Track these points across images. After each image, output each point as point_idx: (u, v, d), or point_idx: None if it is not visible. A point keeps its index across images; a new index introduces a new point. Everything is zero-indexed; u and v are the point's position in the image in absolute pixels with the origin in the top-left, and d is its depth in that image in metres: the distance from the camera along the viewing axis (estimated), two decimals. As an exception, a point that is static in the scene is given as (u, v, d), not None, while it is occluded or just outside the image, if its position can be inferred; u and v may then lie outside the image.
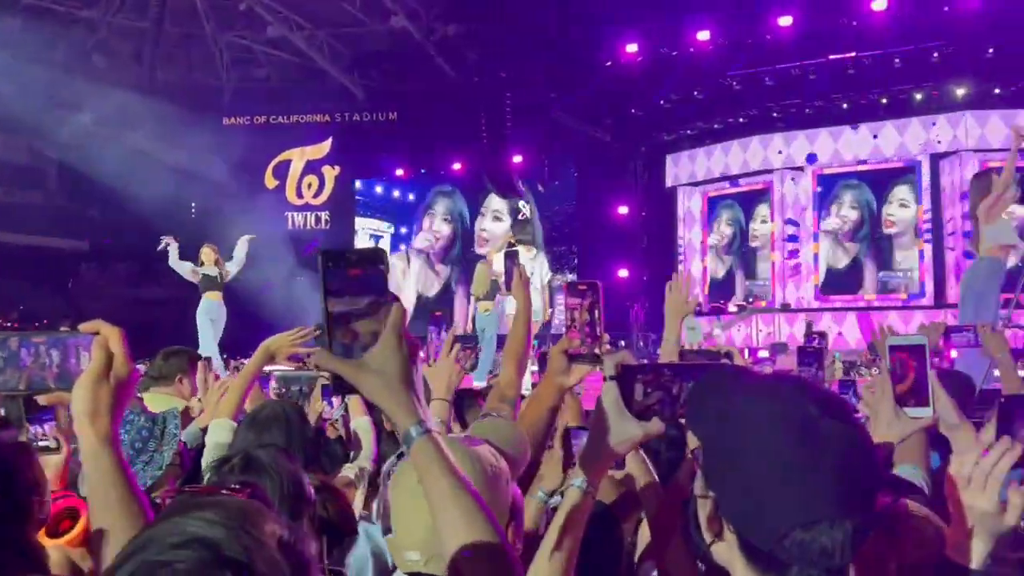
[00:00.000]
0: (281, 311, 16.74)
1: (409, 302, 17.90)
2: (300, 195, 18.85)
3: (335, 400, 3.81)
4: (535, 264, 8.73)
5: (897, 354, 1.84)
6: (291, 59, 18.01)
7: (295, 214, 18.86)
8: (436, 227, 18.24)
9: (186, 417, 3.32)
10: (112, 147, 16.35)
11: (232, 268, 10.73)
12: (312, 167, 18.80)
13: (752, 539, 1.09)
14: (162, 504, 1.63)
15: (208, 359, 4.82)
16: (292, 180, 18.82)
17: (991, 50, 12.85)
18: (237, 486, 1.66)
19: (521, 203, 17.40)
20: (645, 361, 1.80)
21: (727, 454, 1.12)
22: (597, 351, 1.89)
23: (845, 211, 14.87)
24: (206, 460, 2.79)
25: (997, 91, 13.31)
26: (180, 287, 17.21)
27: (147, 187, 16.46)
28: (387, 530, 1.66)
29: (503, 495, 1.67)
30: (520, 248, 8.91)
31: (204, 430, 3.24)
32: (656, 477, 2.24)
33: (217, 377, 3.74)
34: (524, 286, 2.83)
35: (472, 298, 11.32)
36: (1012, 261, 6.16)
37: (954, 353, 4.52)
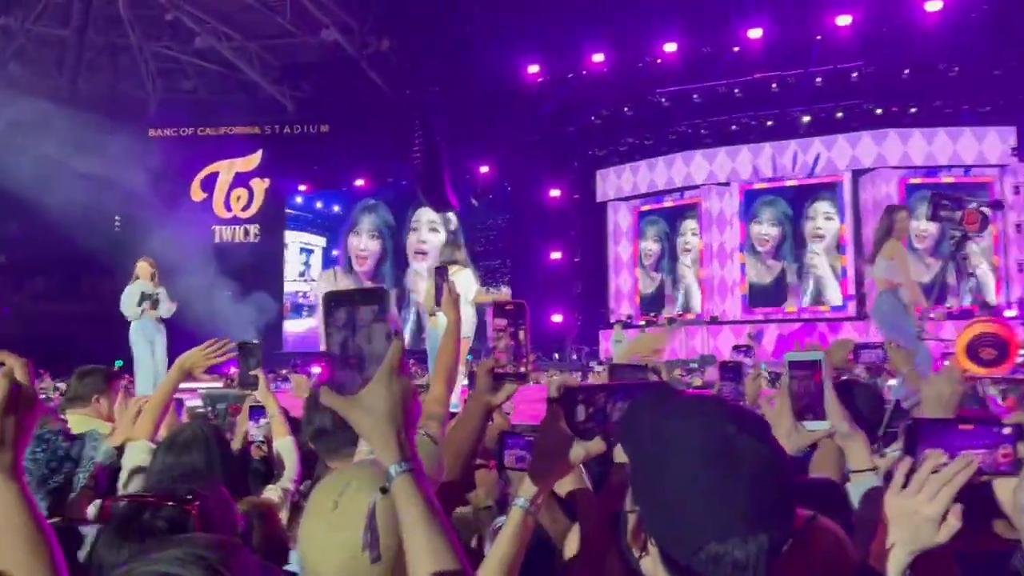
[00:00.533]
0: (206, 326, 16.39)
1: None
2: (228, 208, 18.51)
3: (262, 420, 3.74)
4: (464, 279, 8.78)
5: (796, 369, 1.89)
6: (219, 70, 17.73)
7: (223, 228, 18.51)
8: (364, 245, 18.09)
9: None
10: (29, 157, 15.85)
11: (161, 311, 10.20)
12: (241, 180, 18.49)
13: (671, 552, 1.11)
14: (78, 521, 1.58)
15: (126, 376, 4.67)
16: (220, 193, 18.47)
17: (907, 71, 13.35)
18: (190, 496, 1.62)
19: (451, 215, 17.39)
20: (588, 382, 1.82)
21: (650, 471, 1.15)
22: (523, 370, 1.91)
23: (766, 228, 15.24)
24: (123, 482, 2.70)
25: (913, 110, 13.82)
26: (101, 301, 16.78)
27: (67, 200, 15.98)
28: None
29: None
30: (457, 267, 8.96)
31: (119, 449, 3.15)
32: (591, 488, 2.24)
33: (131, 394, 3.63)
34: (454, 302, 2.82)
35: (426, 314, 11.35)
36: (907, 296, 6.40)
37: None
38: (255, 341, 3.56)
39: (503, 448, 2.13)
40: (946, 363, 2.02)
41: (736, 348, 4.06)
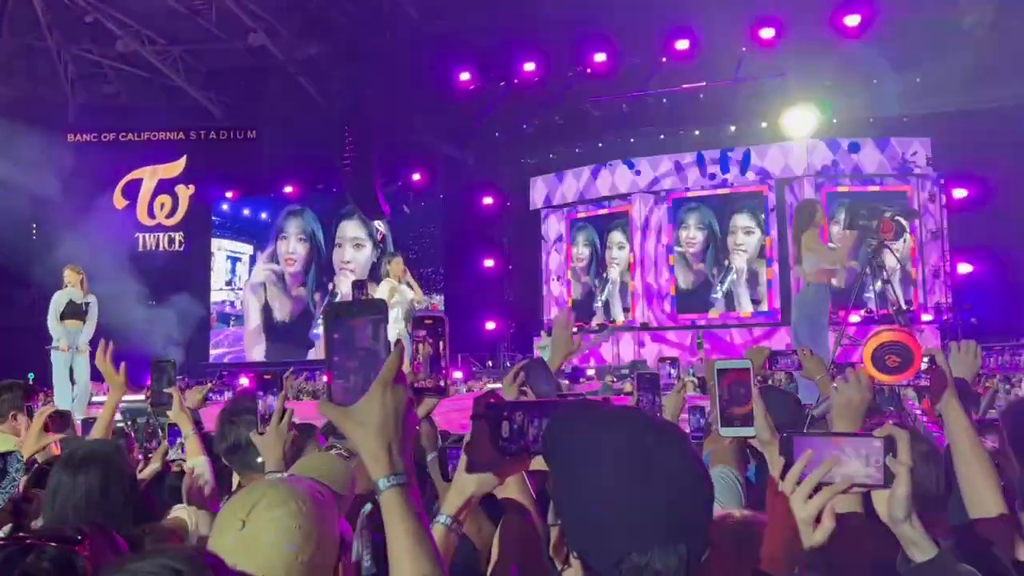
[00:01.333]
0: (128, 337, 15.95)
1: (256, 334, 17.44)
2: (152, 215, 18.05)
3: (178, 439, 3.66)
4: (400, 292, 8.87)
5: (724, 377, 1.91)
6: (142, 75, 17.28)
7: (147, 235, 18.04)
8: (291, 248, 17.83)
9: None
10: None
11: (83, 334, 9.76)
12: (165, 186, 18.05)
13: (592, 565, 1.12)
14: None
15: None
16: (143, 200, 18.00)
17: (828, 82, 13.72)
18: (79, 536, 1.53)
19: (379, 224, 17.27)
20: (514, 399, 1.82)
21: (570, 483, 1.16)
22: (442, 384, 1.89)
23: (692, 232, 15.52)
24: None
25: (834, 120, 14.21)
26: (15, 313, 16.19)
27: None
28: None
29: (331, 532, 1.62)
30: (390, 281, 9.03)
31: (28, 462, 3.07)
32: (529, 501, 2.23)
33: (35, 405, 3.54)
34: None
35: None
36: (836, 282, 6.59)
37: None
38: (170, 359, 3.50)
39: (446, 460, 2.12)
40: (854, 372, 2.07)
41: (662, 360, 4.07)
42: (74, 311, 9.71)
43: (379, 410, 1.21)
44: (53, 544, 1.52)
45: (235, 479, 2.97)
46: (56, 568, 1.47)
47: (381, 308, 1.26)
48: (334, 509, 1.70)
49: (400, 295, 9.01)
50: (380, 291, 8.94)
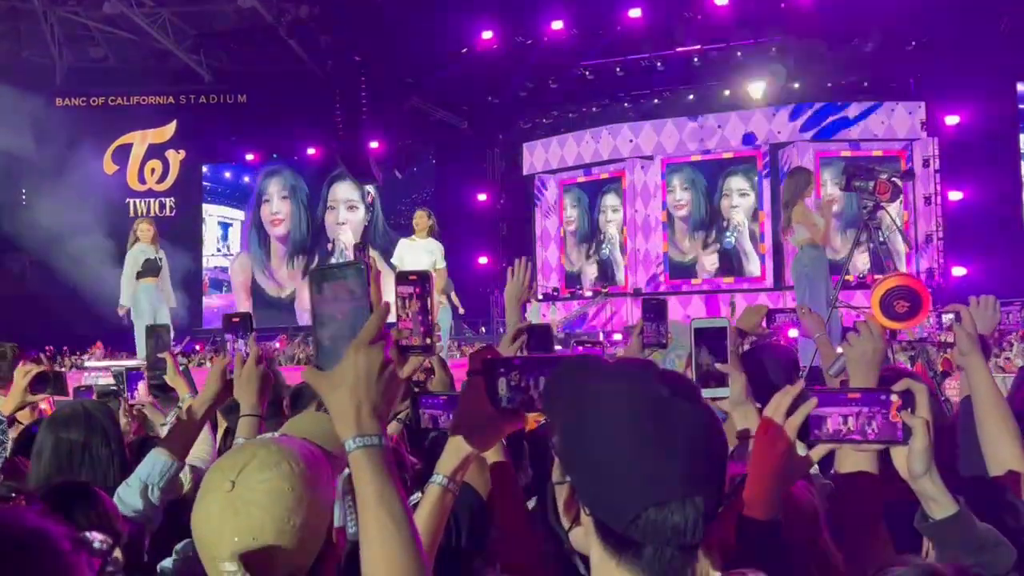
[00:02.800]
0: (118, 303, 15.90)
1: (244, 301, 17.39)
2: (143, 181, 17.90)
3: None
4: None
5: (702, 337, 1.90)
6: (131, 38, 17.03)
7: (137, 200, 17.90)
8: (275, 209, 17.74)
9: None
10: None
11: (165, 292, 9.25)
12: (155, 151, 17.88)
13: (607, 521, 1.09)
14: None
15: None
16: (134, 165, 17.84)
17: (823, 46, 13.64)
18: (13, 495, 1.51)
19: (369, 188, 17.18)
20: (513, 355, 1.78)
21: (580, 439, 1.12)
22: (429, 342, 1.84)
23: (679, 194, 15.49)
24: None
25: (829, 85, 14.15)
26: (8, 278, 16.11)
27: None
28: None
29: (324, 494, 1.58)
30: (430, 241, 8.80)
31: (9, 420, 3.05)
32: (509, 463, 2.21)
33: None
34: (374, 278, 2.75)
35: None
36: (828, 249, 6.62)
37: (794, 333, 4.77)
38: (164, 324, 3.47)
39: (416, 409, 2.10)
40: (863, 322, 2.02)
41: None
42: (150, 268, 9.20)
43: (351, 371, 1.19)
44: None
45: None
46: None
47: (361, 270, 1.24)
48: (328, 470, 1.66)
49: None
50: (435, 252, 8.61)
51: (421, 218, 8.72)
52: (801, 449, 1.39)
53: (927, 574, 1.09)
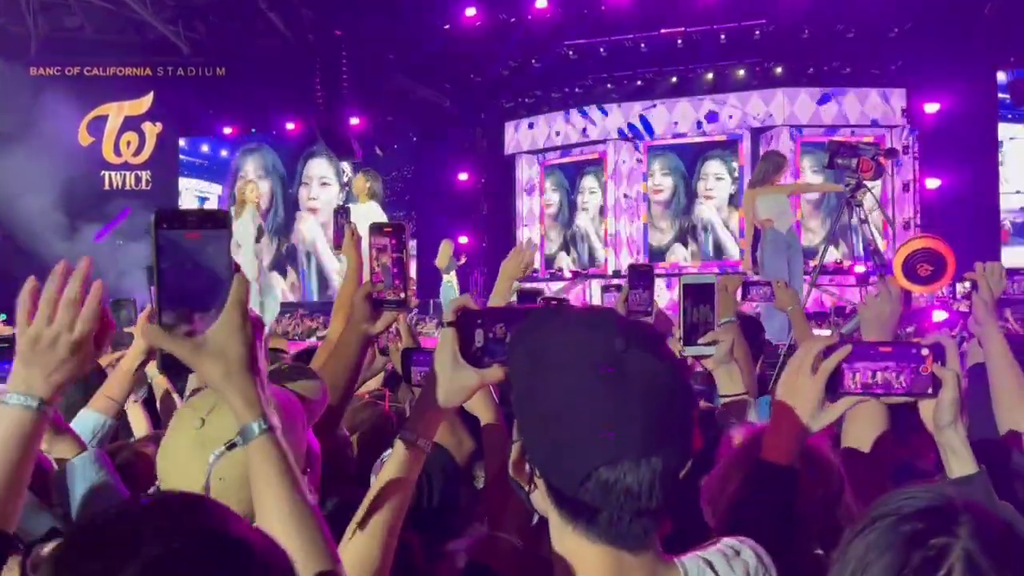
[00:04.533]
0: (103, 274, 15.70)
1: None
2: (118, 153, 17.63)
3: None
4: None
5: (691, 293, 1.89)
6: (108, 7, 16.72)
7: (112, 173, 17.64)
8: (255, 186, 17.57)
9: None
10: None
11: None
12: (131, 123, 17.61)
13: (556, 483, 1.03)
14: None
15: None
16: (109, 137, 17.57)
17: (806, 31, 13.66)
18: None
19: (345, 166, 17.06)
20: (489, 307, 1.71)
21: (532, 394, 1.05)
22: (403, 296, 1.77)
23: (658, 179, 15.51)
24: None
25: (811, 70, 14.17)
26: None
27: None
28: None
29: (296, 441, 1.54)
30: (372, 204, 8.62)
31: None
32: (500, 419, 2.16)
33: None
34: (355, 244, 2.73)
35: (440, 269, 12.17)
36: (785, 227, 6.72)
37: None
38: (129, 298, 3.39)
39: (409, 364, 2.06)
40: (883, 281, 2.00)
41: (606, 288, 3.94)
42: (260, 234, 8.37)
43: (241, 338, 1.06)
44: None
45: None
46: None
47: (224, 222, 1.08)
48: (302, 417, 1.62)
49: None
50: (373, 215, 8.47)
51: (359, 181, 8.39)
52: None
53: (936, 495, 1.06)
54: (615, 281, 8.68)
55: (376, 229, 1.76)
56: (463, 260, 13.40)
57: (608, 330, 1.03)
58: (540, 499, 1.08)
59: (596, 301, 14.66)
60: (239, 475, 1.35)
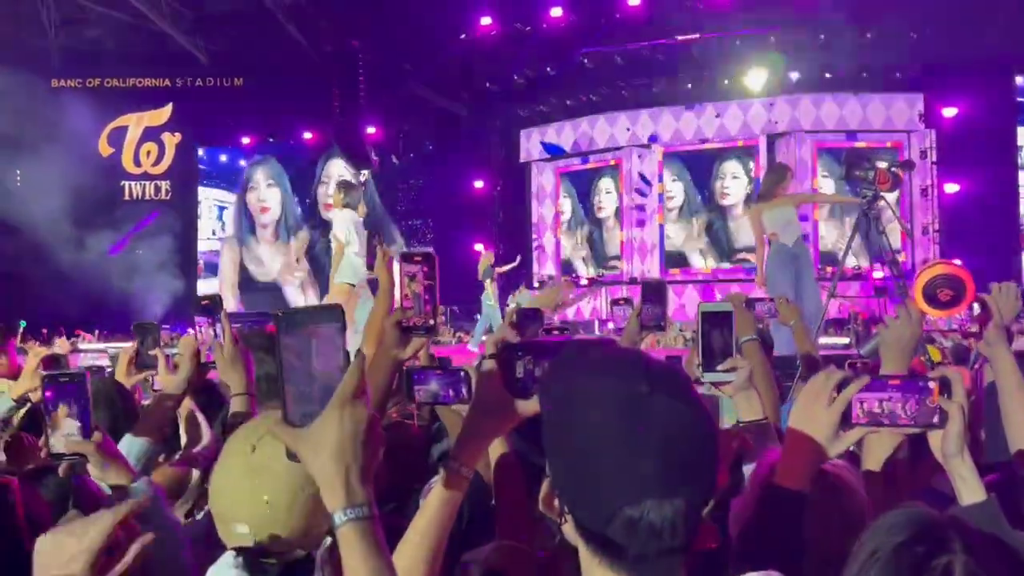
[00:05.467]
0: (119, 283, 15.90)
1: (230, 288, 17.35)
2: (138, 163, 17.83)
3: None
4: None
5: (709, 321, 1.92)
6: (128, 20, 16.92)
7: (132, 183, 17.84)
8: (262, 196, 17.73)
9: None
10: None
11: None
12: (151, 134, 17.81)
13: (582, 520, 1.07)
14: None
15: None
16: (129, 147, 17.77)
17: (822, 36, 13.64)
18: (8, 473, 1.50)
19: (364, 172, 17.18)
20: (529, 339, 1.76)
21: (561, 431, 1.09)
22: (432, 323, 1.83)
23: (668, 185, 15.51)
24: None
25: (828, 75, 14.14)
26: (2, 259, 16.04)
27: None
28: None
29: None
30: (344, 212, 8.57)
31: (19, 401, 3.06)
32: (511, 452, 2.20)
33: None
34: (387, 265, 2.76)
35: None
36: (791, 239, 6.74)
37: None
38: (152, 321, 3.46)
39: (411, 384, 2.09)
40: (903, 307, 2.03)
41: (616, 303, 3.91)
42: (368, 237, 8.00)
43: (335, 432, 1.09)
44: None
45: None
46: None
47: (337, 315, 1.14)
48: None
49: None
50: (337, 222, 8.28)
51: (336, 195, 8.36)
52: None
53: (921, 519, 1.11)
54: (625, 295, 8.64)
55: (407, 257, 1.81)
56: (505, 269, 13.55)
57: (633, 373, 1.07)
58: (571, 531, 1.11)
59: (608, 310, 14.64)
60: (286, 501, 1.41)
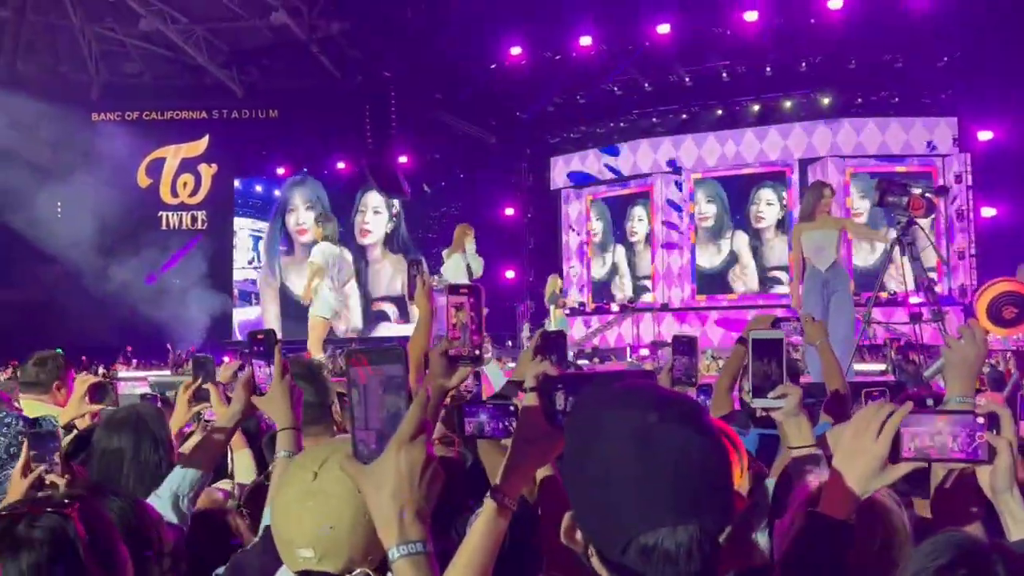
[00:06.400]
0: (156, 311, 16.15)
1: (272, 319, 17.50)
2: (175, 194, 18.15)
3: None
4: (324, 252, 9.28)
5: (759, 347, 1.92)
6: (165, 54, 17.33)
7: (170, 214, 18.15)
8: (301, 219, 17.91)
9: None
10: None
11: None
12: (188, 165, 18.14)
13: (602, 549, 1.09)
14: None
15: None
16: (167, 178, 18.10)
17: (853, 62, 13.60)
18: (66, 500, 1.53)
19: (395, 200, 17.35)
20: (569, 371, 1.79)
21: (578, 461, 1.13)
22: (478, 353, 1.87)
23: (703, 207, 15.45)
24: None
25: (859, 100, 14.08)
26: (41, 288, 16.38)
27: (6, 184, 15.58)
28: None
29: None
30: (322, 244, 9.24)
31: (66, 428, 3.12)
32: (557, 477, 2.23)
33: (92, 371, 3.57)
34: (427, 295, 2.80)
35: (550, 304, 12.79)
36: (825, 264, 6.72)
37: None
38: (208, 356, 3.54)
39: (462, 418, 2.12)
40: (967, 325, 2.00)
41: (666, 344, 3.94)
42: (471, 274, 8.62)
43: (393, 472, 1.14)
44: (48, 511, 1.46)
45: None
46: (47, 535, 1.43)
47: (401, 356, 1.20)
48: None
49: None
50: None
51: (315, 228, 9.06)
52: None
53: (963, 543, 1.11)
54: (642, 352, 8.63)
55: (454, 289, 1.87)
56: (572, 299, 13.53)
57: (643, 404, 1.10)
58: (597, 564, 1.14)
59: (643, 332, 14.60)
60: (348, 525, 1.44)
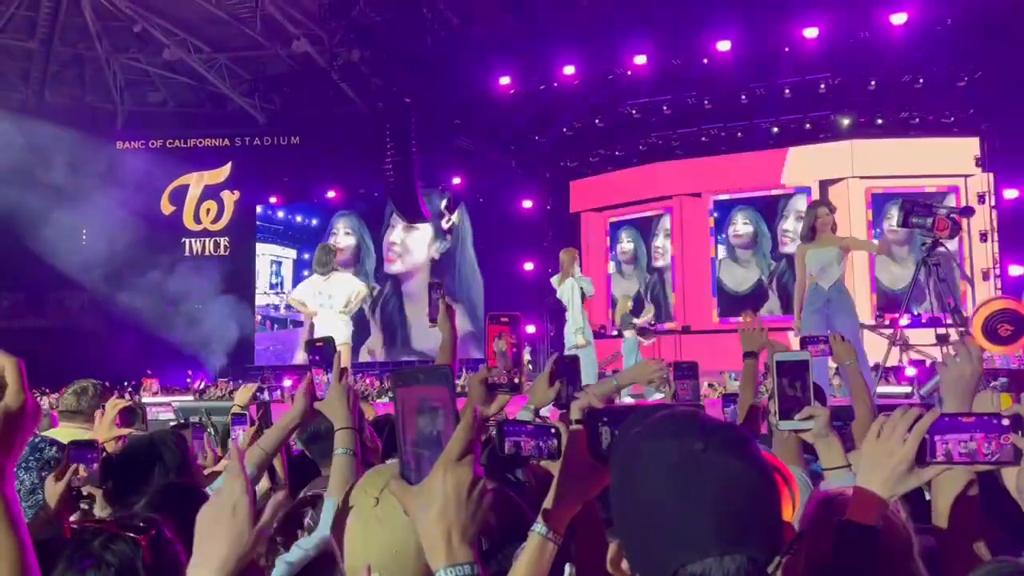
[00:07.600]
0: (179, 336, 16.29)
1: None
2: (198, 221, 18.35)
3: (239, 430, 3.70)
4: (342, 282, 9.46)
5: (784, 369, 1.92)
6: (189, 82, 17.59)
7: (193, 240, 18.34)
8: (339, 241, 18.06)
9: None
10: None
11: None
12: (210, 192, 18.35)
13: None
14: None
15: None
16: (190, 206, 18.32)
17: (873, 83, 13.57)
18: (142, 524, 1.55)
19: (453, 215, 17.50)
20: (613, 404, 1.80)
21: (623, 492, 1.12)
22: (517, 381, 1.89)
23: (739, 228, 15.37)
24: None
25: (879, 121, 14.03)
26: (68, 316, 16.58)
27: (33, 213, 15.81)
28: None
29: None
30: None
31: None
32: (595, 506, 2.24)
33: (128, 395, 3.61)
34: (450, 317, 2.82)
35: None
36: (828, 283, 6.69)
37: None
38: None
39: (503, 437, 2.13)
40: (962, 344, 1.99)
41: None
42: (583, 296, 8.85)
43: (439, 493, 1.14)
44: (126, 533, 1.49)
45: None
46: (117, 560, 1.45)
47: (448, 377, 1.19)
48: None
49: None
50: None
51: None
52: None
53: (1013, 570, 1.10)
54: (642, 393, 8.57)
55: (494, 319, 1.88)
56: (644, 319, 13.22)
57: (688, 432, 1.08)
58: None
59: (667, 355, 14.51)
60: (415, 549, 1.44)
